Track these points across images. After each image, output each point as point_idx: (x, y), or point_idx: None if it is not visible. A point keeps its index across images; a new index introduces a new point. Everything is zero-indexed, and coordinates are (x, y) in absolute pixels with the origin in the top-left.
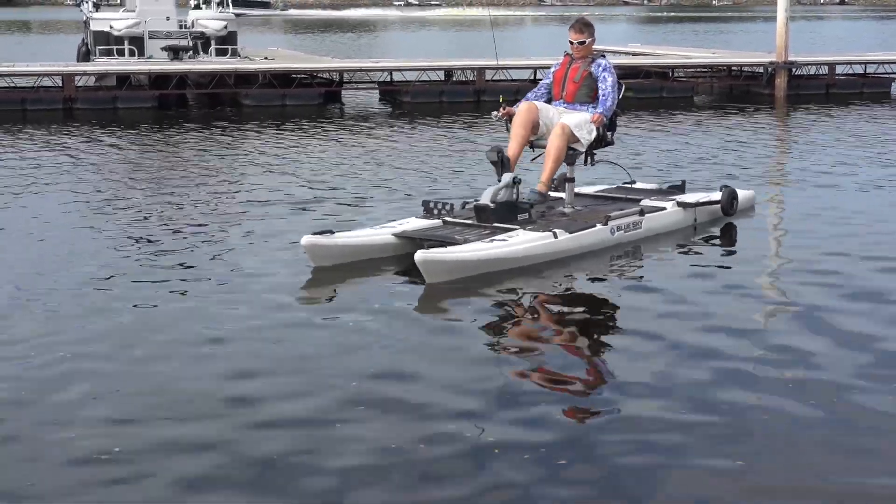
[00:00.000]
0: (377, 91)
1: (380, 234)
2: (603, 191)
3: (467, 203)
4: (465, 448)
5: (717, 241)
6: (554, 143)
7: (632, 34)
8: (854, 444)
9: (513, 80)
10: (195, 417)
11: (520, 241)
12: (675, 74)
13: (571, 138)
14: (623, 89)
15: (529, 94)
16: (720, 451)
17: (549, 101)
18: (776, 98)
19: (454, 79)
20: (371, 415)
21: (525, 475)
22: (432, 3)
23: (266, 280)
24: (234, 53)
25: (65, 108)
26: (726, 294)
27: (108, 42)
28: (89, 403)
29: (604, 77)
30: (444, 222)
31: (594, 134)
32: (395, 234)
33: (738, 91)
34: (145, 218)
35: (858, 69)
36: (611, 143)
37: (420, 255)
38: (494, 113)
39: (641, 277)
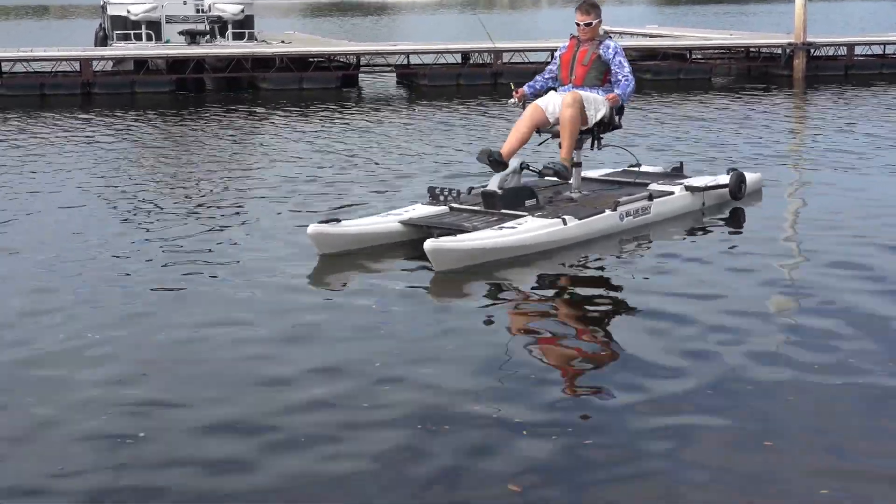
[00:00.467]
0: (394, 74)
1: (386, 221)
2: (609, 175)
3: (473, 189)
4: (485, 429)
5: (726, 226)
6: (567, 114)
7: (649, 16)
8: (878, 426)
9: (530, 63)
10: (216, 400)
11: (529, 229)
12: (693, 56)
13: (582, 109)
14: None
15: (537, 78)
16: (742, 432)
17: (554, 88)
18: (794, 79)
19: (471, 62)
20: (388, 399)
21: (545, 456)
22: None
23: (277, 265)
24: (251, 37)
25: (83, 93)
26: (737, 279)
27: (125, 27)
28: (113, 386)
29: (620, 62)
30: (451, 209)
31: (601, 113)
32: (402, 222)
33: (756, 72)
34: (158, 202)
35: (877, 50)
36: (618, 126)
37: (429, 244)
38: (511, 101)
39: (652, 262)
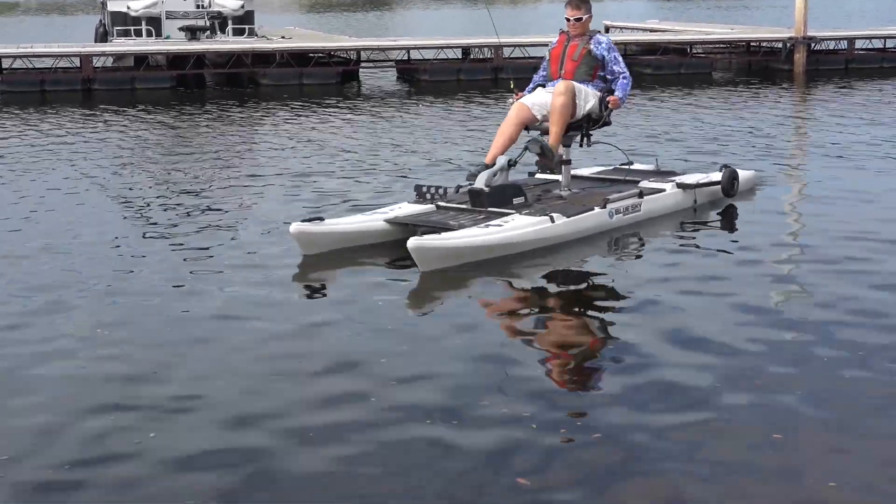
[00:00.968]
0: (394, 70)
1: (371, 220)
2: (600, 172)
3: (461, 187)
4: (488, 429)
5: (717, 224)
6: (558, 101)
7: (650, 11)
8: (887, 421)
9: (531, 58)
10: (217, 400)
11: (516, 227)
12: (694, 51)
13: (573, 99)
14: None
15: (534, 78)
16: (749, 426)
17: (543, 85)
18: (795, 73)
19: (471, 57)
20: (366, 402)
21: (552, 453)
22: None
23: (267, 262)
24: (252, 33)
25: (83, 89)
26: (728, 277)
27: (125, 23)
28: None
29: (615, 58)
30: (438, 207)
31: (590, 105)
32: (387, 220)
33: (756, 67)
34: (158, 198)
35: (878, 44)
36: (608, 123)
37: (413, 243)
38: (510, 101)
39: (641, 261)
